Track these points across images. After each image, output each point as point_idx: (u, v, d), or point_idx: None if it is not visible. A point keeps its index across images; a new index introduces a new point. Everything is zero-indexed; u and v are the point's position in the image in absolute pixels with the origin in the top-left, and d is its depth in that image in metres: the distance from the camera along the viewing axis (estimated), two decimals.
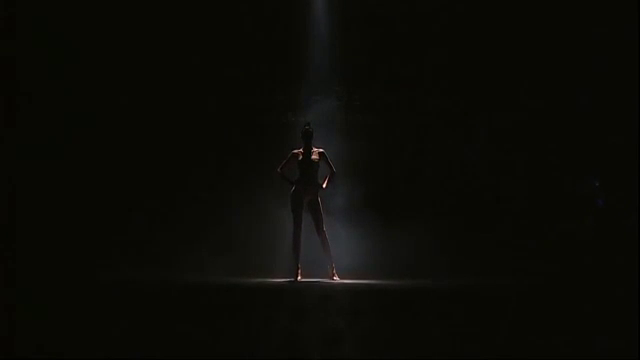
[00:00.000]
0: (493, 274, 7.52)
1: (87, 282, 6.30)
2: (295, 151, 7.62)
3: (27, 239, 7.38)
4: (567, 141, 8.29)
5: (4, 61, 7.43)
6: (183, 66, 8.52)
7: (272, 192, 8.20)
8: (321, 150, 7.62)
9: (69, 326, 3.84)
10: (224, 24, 8.61)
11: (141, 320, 3.90)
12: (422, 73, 8.65)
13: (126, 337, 3.42)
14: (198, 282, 6.63)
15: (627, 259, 7.15)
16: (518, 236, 8.11)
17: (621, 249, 7.48)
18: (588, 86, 8.16)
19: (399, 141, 8.74)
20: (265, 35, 8.66)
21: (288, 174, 7.61)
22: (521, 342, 3.30)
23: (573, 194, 8.25)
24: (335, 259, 7.48)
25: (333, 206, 8.10)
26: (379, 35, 8.68)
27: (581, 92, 8.22)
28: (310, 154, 7.56)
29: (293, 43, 8.66)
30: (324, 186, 7.53)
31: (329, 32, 8.64)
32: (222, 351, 3.27)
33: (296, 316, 4.15)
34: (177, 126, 8.49)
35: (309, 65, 8.67)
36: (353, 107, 8.89)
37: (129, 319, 4.00)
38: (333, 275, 7.42)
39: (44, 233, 7.63)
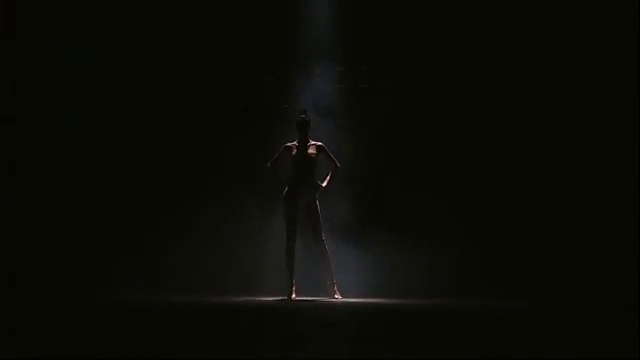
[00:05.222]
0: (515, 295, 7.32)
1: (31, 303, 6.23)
2: (288, 144, 7.18)
3: None
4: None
5: None
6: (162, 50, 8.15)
7: (260, 191, 7.82)
8: (320, 143, 7.18)
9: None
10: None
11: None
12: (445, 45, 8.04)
13: None
14: (163, 302, 6.43)
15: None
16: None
17: None
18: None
19: (416, 134, 8.14)
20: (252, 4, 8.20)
21: (280, 172, 7.22)
22: None
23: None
24: (337, 274, 7.18)
25: (335, 213, 7.67)
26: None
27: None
28: (306, 148, 7.13)
29: (283, 12, 8.13)
30: (324, 184, 7.11)
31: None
32: None
33: (289, 345, 3.74)
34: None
35: (304, 40, 8.09)
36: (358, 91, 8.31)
37: (74, 347, 3.59)
38: (334, 293, 7.13)
39: None
